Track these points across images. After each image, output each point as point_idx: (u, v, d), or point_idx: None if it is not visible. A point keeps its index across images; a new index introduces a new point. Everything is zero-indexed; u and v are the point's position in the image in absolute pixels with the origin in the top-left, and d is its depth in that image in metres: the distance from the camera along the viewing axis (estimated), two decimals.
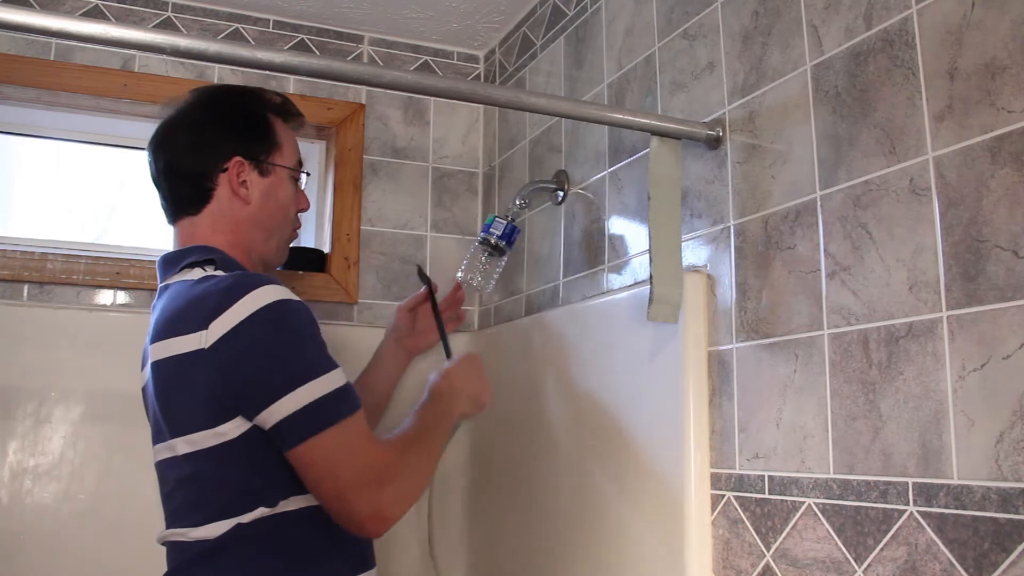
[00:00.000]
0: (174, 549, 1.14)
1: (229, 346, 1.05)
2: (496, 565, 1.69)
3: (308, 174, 1.38)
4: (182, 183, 1.25)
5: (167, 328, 1.12)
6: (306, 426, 1.04)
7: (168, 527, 1.15)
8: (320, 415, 1.05)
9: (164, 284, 1.21)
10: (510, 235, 1.55)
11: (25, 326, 1.59)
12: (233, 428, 1.07)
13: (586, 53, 1.60)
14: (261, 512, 1.09)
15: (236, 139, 1.25)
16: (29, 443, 1.57)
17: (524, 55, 1.86)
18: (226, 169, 1.23)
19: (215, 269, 1.17)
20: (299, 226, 1.38)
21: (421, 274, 1.62)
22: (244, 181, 1.24)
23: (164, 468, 1.15)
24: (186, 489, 1.13)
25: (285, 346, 1.07)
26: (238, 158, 1.24)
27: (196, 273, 1.17)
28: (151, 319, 1.19)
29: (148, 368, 1.17)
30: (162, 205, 1.28)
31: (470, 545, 1.81)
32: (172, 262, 1.21)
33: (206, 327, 1.06)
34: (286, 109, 1.34)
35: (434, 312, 1.59)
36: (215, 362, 1.06)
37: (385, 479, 1.07)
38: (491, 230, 1.55)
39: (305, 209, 1.37)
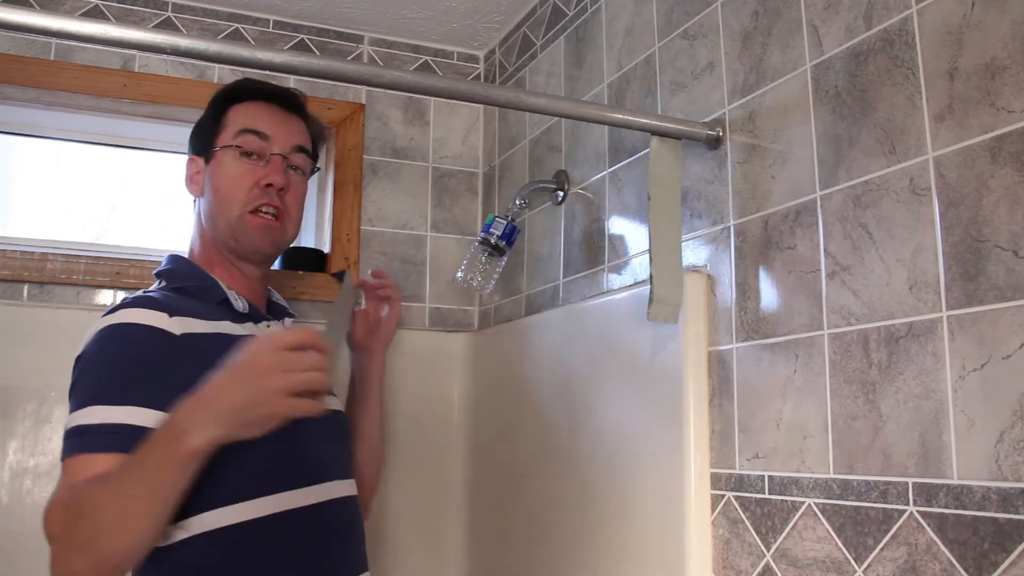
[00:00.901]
0: None
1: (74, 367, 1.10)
2: (496, 563, 1.69)
3: (242, 145, 1.22)
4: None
5: None
6: (65, 448, 1.02)
7: None
8: (64, 446, 1.02)
9: None
10: (510, 235, 1.55)
11: (25, 326, 1.59)
12: None
13: (586, 53, 1.60)
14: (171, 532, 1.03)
15: (192, 140, 1.30)
16: (29, 443, 1.57)
17: (524, 55, 1.86)
18: (187, 172, 1.30)
19: (159, 280, 1.23)
20: (262, 201, 1.22)
21: (336, 275, 1.51)
22: (198, 175, 1.28)
23: None
24: None
25: (84, 373, 1.07)
26: (192, 156, 1.29)
27: (154, 283, 1.24)
28: None
29: None
30: None
31: (470, 544, 1.81)
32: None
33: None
34: (257, 89, 1.28)
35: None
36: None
37: (50, 536, 0.94)
38: (491, 230, 1.55)
39: (264, 183, 1.22)
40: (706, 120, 1.23)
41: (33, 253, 1.64)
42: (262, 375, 0.89)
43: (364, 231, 1.89)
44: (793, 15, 1.09)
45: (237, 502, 1.06)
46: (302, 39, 1.91)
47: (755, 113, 1.15)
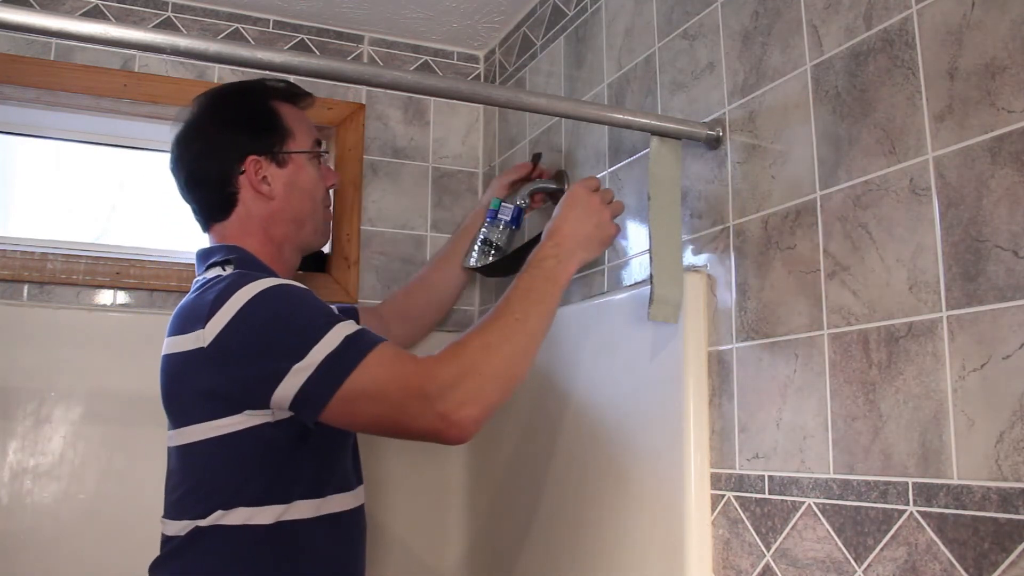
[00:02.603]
0: (162, 539, 1.17)
1: (226, 341, 1.07)
2: (496, 564, 1.69)
3: (327, 152, 1.37)
4: (206, 193, 1.27)
5: (176, 325, 1.15)
6: (322, 390, 1.03)
7: (163, 516, 1.19)
8: (331, 374, 1.03)
9: (196, 279, 1.24)
10: (518, 217, 1.58)
11: (25, 326, 1.59)
12: (231, 423, 1.09)
13: (586, 53, 1.60)
14: (219, 515, 1.10)
15: (247, 138, 1.26)
16: (29, 443, 1.57)
17: (524, 55, 1.86)
18: (244, 171, 1.25)
19: (233, 269, 1.19)
20: (330, 203, 1.38)
21: (535, 157, 1.62)
22: (264, 177, 1.26)
23: (168, 455, 1.20)
24: (171, 481, 1.18)
25: (276, 327, 1.07)
26: (253, 157, 1.25)
27: (215, 272, 1.19)
28: None
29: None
30: (195, 217, 1.31)
31: (470, 544, 1.81)
32: (202, 259, 1.25)
33: (203, 326, 1.08)
34: (291, 92, 1.34)
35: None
36: (216, 359, 1.08)
37: (434, 391, 1.02)
38: (499, 216, 1.57)
39: (334, 184, 1.37)
40: (706, 120, 1.23)
41: (33, 253, 1.64)
42: (596, 210, 1.22)
43: (364, 231, 1.89)
44: (793, 15, 1.09)
45: (312, 497, 1.15)
46: (302, 39, 1.91)
47: (755, 113, 1.15)
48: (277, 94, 1.32)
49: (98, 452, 1.60)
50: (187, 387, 1.13)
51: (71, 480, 1.58)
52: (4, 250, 1.63)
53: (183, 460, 1.15)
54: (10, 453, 1.55)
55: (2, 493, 1.54)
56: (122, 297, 1.69)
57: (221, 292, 1.09)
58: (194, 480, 1.13)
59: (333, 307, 1.14)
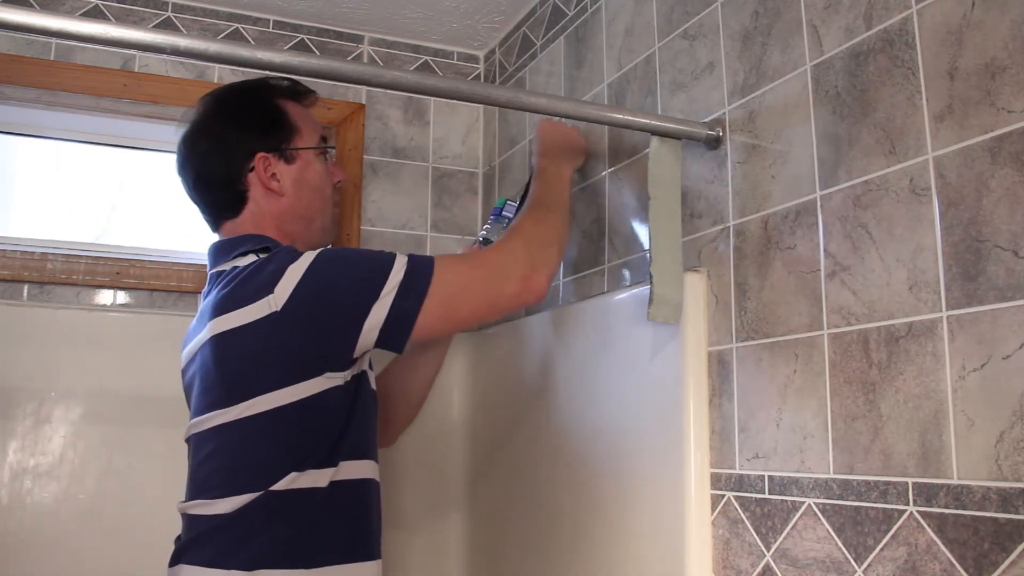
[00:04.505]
0: (194, 520, 1.16)
1: (303, 297, 1.10)
2: (496, 564, 1.69)
3: (333, 148, 1.39)
4: (215, 192, 1.28)
5: (224, 305, 1.13)
6: (411, 302, 1.11)
7: (192, 498, 1.17)
8: (416, 284, 1.12)
9: (216, 271, 1.22)
10: None
11: (25, 326, 1.59)
12: (307, 388, 1.11)
13: (586, 53, 1.60)
14: (292, 478, 1.11)
15: (255, 136, 1.27)
16: (29, 443, 1.57)
17: (524, 55, 1.86)
18: (253, 168, 1.26)
19: (260, 255, 1.19)
20: (339, 199, 1.40)
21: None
22: (273, 174, 1.26)
23: (202, 439, 1.17)
24: (217, 461, 1.15)
25: (350, 272, 1.13)
26: (261, 154, 1.26)
27: (250, 259, 1.19)
28: (200, 306, 1.22)
29: (194, 348, 1.20)
30: (203, 217, 1.31)
31: (471, 544, 1.81)
32: (224, 250, 1.24)
33: (271, 292, 1.10)
34: (295, 89, 1.34)
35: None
36: (295, 316, 1.10)
37: (514, 258, 1.18)
38: (503, 214, 1.56)
39: (341, 181, 1.39)
40: (706, 120, 1.23)
41: (33, 253, 1.64)
42: (564, 130, 1.45)
43: (364, 231, 1.89)
44: (793, 15, 1.09)
45: (357, 459, 1.20)
46: (302, 39, 1.91)
47: (755, 113, 1.15)
48: (282, 92, 1.32)
49: (98, 452, 1.60)
50: (255, 356, 1.12)
51: (71, 480, 1.58)
52: (4, 250, 1.63)
53: (244, 433, 1.12)
54: (10, 453, 1.55)
55: (2, 493, 1.54)
56: (122, 297, 1.69)
57: (279, 263, 1.12)
58: (263, 449, 1.13)
59: None
